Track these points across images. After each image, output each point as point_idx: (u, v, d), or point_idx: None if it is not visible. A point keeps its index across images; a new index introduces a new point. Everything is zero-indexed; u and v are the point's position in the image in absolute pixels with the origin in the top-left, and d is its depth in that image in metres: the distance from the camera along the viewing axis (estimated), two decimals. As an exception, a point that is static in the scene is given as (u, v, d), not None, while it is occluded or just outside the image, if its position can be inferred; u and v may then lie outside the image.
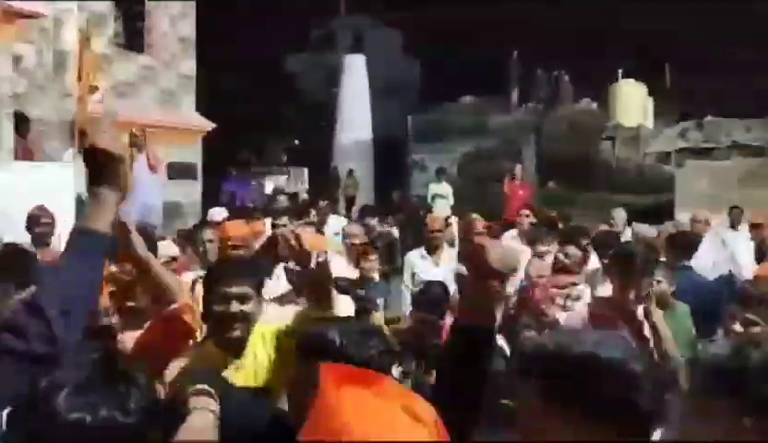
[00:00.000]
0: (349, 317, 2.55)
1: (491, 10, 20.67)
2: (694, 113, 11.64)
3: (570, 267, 4.59)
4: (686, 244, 5.84)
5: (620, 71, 16.22)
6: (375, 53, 20.35)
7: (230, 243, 3.64)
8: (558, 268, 4.91)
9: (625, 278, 3.15)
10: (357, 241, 4.93)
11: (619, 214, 8.42)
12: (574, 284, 4.39)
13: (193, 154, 12.34)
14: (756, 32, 17.49)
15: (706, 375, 1.48)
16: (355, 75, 19.02)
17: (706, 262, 7.70)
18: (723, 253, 7.88)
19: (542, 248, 5.72)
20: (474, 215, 6.09)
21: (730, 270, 7.55)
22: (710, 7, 17.58)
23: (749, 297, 2.95)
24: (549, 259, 5.02)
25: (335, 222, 7.39)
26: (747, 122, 10.38)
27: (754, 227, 7.56)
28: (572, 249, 4.71)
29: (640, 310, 3.40)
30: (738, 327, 2.84)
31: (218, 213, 7.49)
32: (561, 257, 4.93)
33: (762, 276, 3.96)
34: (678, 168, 10.61)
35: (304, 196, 15.60)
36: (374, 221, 8.21)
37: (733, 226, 8.61)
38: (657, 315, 3.27)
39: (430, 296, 3.94)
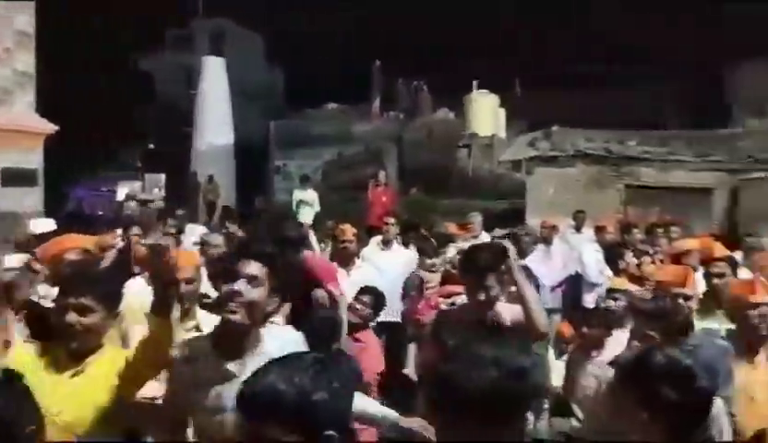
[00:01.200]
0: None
1: (354, 20, 20.94)
2: (542, 123, 12.42)
3: (456, 276, 4.64)
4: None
5: (475, 83, 17.01)
6: (235, 57, 19.83)
7: (64, 257, 3.22)
8: (445, 277, 4.97)
9: (470, 277, 3.21)
10: (216, 251, 4.65)
11: (476, 218, 8.77)
12: (460, 293, 4.45)
13: (32, 159, 11.25)
14: (596, 49, 19.18)
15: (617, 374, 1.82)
16: (214, 77, 18.40)
17: (556, 263, 8.23)
18: (571, 254, 8.45)
19: (430, 261, 5.77)
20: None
21: (577, 271, 8.12)
22: (557, 25, 18.97)
23: (642, 312, 3.11)
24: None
25: (193, 231, 7.01)
26: (588, 132, 11.24)
27: (598, 229, 8.17)
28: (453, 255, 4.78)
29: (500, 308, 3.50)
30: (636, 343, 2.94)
31: (41, 225, 6.48)
32: (449, 267, 4.97)
33: (663, 282, 4.11)
34: (529, 175, 11.26)
35: (160, 203, 14.79)
36: (234, 228, 7.88)
37: (578, 229, 9.24)
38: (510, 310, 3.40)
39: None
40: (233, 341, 2.07)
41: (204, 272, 3.63)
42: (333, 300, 3.68)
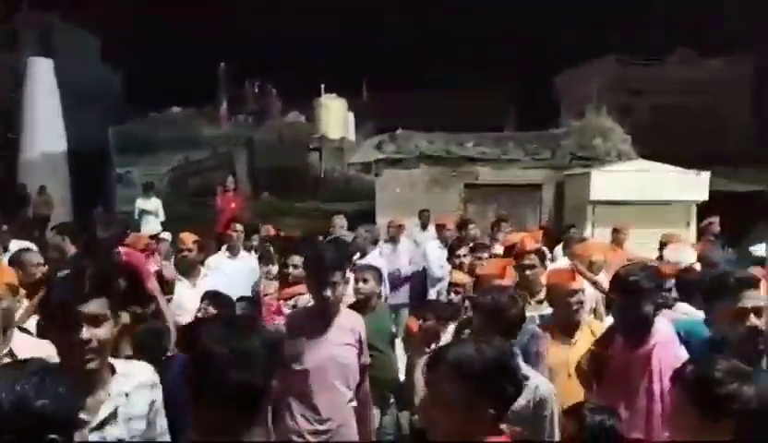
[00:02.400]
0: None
1: (200, 20, 20.28)
2: (390, 126, 12.81)
3: (296, 277, 4.66)
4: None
5: (323, 86, 17.17)
6: (66, 57, 18.41)
7: None
8: (287, 280, 4.96)
9: (314, 277, 3.29)
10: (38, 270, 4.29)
11: (340, 221, 8.90)
12: (302, 293, 4.47)
13: None
14: (438, 54, 20.10)
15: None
16: (41, 80, 16.95)
17: (402, 260, 8.56)
18: (417, 252, 8.82)
19: (264, 269, 5.73)
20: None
21: (424, 267, 8.49)
22: (400, 30, 19.61)
23: (482, 305, 3.27)
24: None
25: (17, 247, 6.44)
26: (429, 135, 11.76)
27: (439, 227, 8.59)
28: (296, 259, 4.79)
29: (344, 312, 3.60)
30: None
31: None
32: (290, 269, 4.95)
33: (483, 275, 4.35)
34: (377, 177, 11.56)
35: (-19, 218, 13.39)
36: (66, 243, 7.32)
37: (424, 227, 9.65)
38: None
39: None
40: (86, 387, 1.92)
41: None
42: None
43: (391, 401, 4.72)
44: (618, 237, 7.85)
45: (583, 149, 11.22)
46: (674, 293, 4.54)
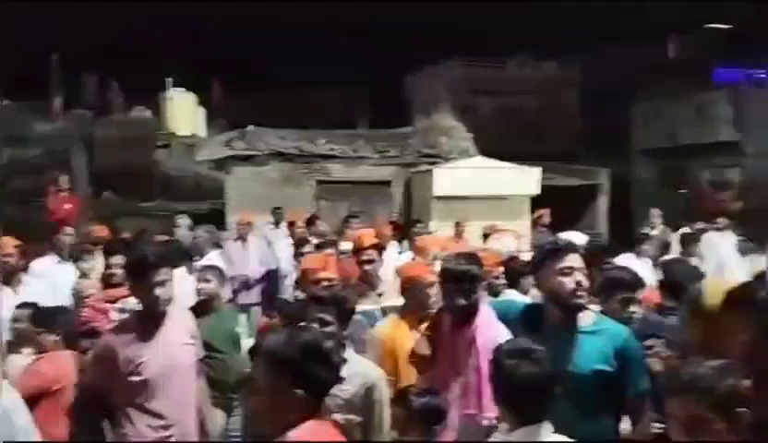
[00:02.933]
0: None
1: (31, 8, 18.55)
2: (243, 122, 12.54)
3: (119, 279, 4.48)
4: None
5: (170, 81, 16.47)
6: None
7: None
8: (110, 282, 4.74)
9: (137, 279, 3.21)
10: None
11: (183, 221, 8.59)
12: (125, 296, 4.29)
13: None
14: (291, 51, 19.95)
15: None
16: None
17: (252, 259, 8.46)
18: (268, 250, 8.76)
19: (84, 266, 5.45)
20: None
21: (277, 267, 8.45)
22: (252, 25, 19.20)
23: (321, 298, 3.31)
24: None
25: None
26: (281, 131, 11.69)
27: (290, 225, 8.61)
28: (117, 259, 4.62)
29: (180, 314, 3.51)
30: (317, 325, 3.13)
31: None
32: (113, 269, 4.75)
33: (306, 269, 4.37)
34: (228, 175, 11.31)
35: None
36: None
37: (277, 225, 9.60)
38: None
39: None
40: None
41: None
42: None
43: (235, 403, 4.65)
44: (459, 230, 8.31)
45: (429, 148, 11.71)
46: (502, 280, 4.90)
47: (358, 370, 3.06)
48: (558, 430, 2.30)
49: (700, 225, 10.07)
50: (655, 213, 10.33)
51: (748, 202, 15.57)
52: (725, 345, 2.12)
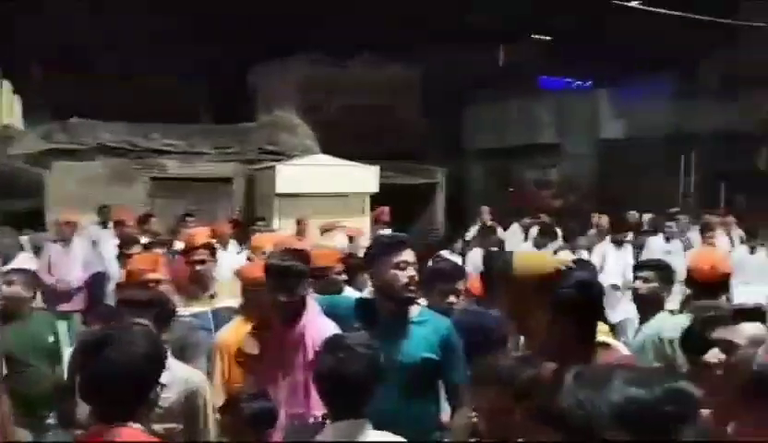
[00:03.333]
0: None
1: None
2: (66, 113, 11.52)
3: None
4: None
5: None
6: None
7: None
8: None
9: None
10: None
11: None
12: None
13: None
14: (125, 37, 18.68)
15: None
16: None
17: (75, 262, 7.83)
18: (94, 252, 8.14)
19: None
20: None
21: (105, 270, 7.87)
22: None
23: (135, 301, 3.06)
24: None
25: None
26: (110, 124, 10.93)
27: (117, 224, 8.04)
28: None
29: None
30: None
31: None
32: None
33: (133, 270, 4.08)
34: (47, 170, 10.36)
35: None
36: None
37: (104, 224, 8.95)
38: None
39: None
40: None
41: None
42: None
43: (49, 421, 4.24)
44: (300, 228, 8.27)
45: (271, 144, 11.54)
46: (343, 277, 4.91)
47: (179, 376, 2.92)
48: (386, 416, 2.35)
49: (526, 221, 10.89)
50: (485, 210, 11.00)
51: (566, 200, 17.09)
52: (527, 316, 2.18)
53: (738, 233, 8.77)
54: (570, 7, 16.29)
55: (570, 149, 18.94)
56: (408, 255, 2.96)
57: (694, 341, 1.73)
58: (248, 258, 5.38)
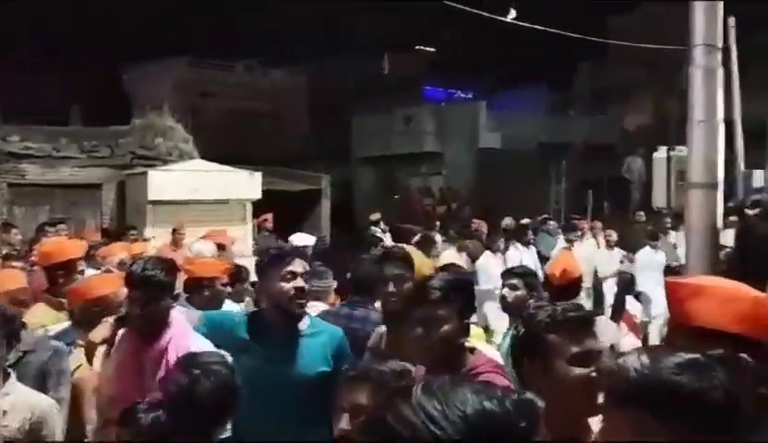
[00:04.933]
0: None
1: None
2: None
3: None
4: None
5: None
6: None
7: None
8: None
9: None
10: None
11: None
12: None
13: None
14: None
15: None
16: None
17: None
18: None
19: None
20: None
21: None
22: None
23: None
24: None
25: None
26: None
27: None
28: None
29: None
30: None
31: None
32: None
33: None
34: None
35: None
36: None
37: None
38: None
39: None
40: None
41: None
42: None
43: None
44: (175, 237, 7.86)
45: (145, 149, 10.94)
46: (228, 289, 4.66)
47: (23, 402, 2.62)
48: (283, 433, 2.25)
49: (408, 227, 11.03)
50: (375, 217, 11.14)
51: (448, 207, 17.57)
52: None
53: (603, 237, 9.33)
54: (453, 21, 16.83)
55: (451, 158, 19.52)
56: (297, 265, 2.83)
57: (529, 344, 1.73)
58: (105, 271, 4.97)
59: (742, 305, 1.43)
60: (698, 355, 1.18)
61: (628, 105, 19.04)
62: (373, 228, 11.21)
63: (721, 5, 3.52)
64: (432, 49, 25.95)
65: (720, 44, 3.58)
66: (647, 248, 7.94)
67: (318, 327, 2.93)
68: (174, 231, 7.99)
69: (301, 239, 8.62)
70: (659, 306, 6.71)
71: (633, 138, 16.79)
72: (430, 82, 25.38)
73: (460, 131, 19.50)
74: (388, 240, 10.76)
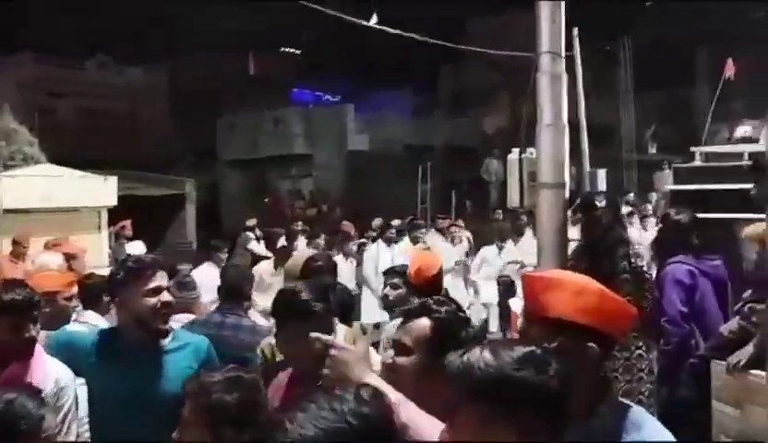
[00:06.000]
0: None
1: None
2: None
3: None
4: None
5: None
6: None
7: None
8: None
9: None
10: None
11: None
12: None
13: None
14: None
15: None
16: None
17: None
18: None
19: None
20: None
21: None
22: None
23: None
24: None
25: None
26: None
27: None
28: None
29: None
30: None
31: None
32: None
33: None
34: None
35: None
36: None
37: None
38: None
39: None
40: None
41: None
42: None
43: None
44: (18, 250, 7.15)
45: None
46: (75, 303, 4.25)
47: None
48: None
49: (276, 230, 10.84)
50: (251, 223, 10.92)
51: (318, 209, 17.55)
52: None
53: (466, 234, 9.72)
54: (317, 24, 16.81)
55: (321, 161, 19.51)
56: (160, 278, 2.63)
57: None
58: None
59: (591, 298, 1.53)
60: (534, 348, 1.27)
61: (487, 108, 20.01)
62: (247, 234, 10.94)
63: (563, 13, 3.75)
64: (298, 51, 25.80)
65: (563, 52, 3.81)
66: (493, 246, 8.41)
67: (181, 340, 2.77)
68: (15, 242, 7.27)
69: (134, 248, 8.26)
70: (488, 297, 7.99)
71: (492, 141, 17.65)
72: (298, 84, 25.23)
73: (329, 133, 19.55)
74: (256, 247, 10.55)
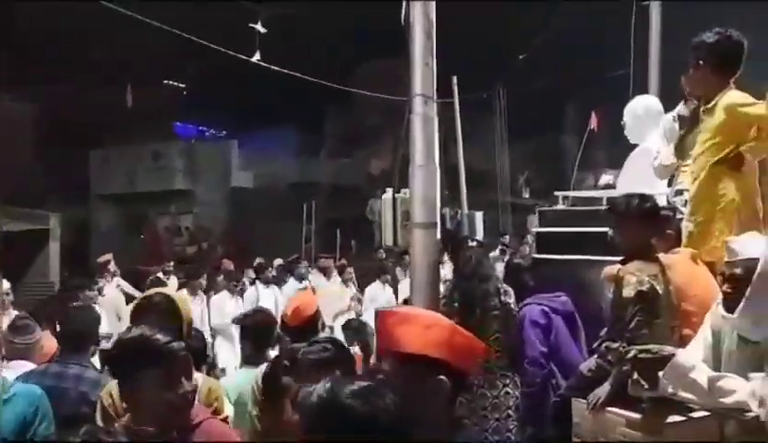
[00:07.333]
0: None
1: None
2: None
3: None
4: None
5: None
6: None
7: None
8: None
9: None
10: None
11: None
12: None
13: None
14: None
15: None
16: None
17: None
18: None
19: None
20: None
21: None
22: None
23: None
24: None
25: None
26: None
27: None
28: None
29: None
30: None
31: None
32: None
33: None
34: None
35: None
36: None
37: None
38: None
39: None
40: None
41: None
42: None
43: None
44: None
45: None
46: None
47: None
48: None
49: (152, 268, 10.26)
50: (104, 259, 10.14)
51: (199, 246, 16.92)
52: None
53: (350, 273, 9.69)
54: (202, 58, 16.44)
55: (202, 197, 18.91)
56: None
57: (272, 385, 1.80)
58: None
59: (441, 332, 1.58)
60: (372, 382, 1.34)
61: (372, 149, 20.35)
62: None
63: (433, 57, 3.83)
64: (182, 84, 25.10)
65: (435, 95, 3.89)
66: (377, 283, 8.52)
67: (13, 390, 2.53)
68: None
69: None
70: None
71: (377, 181, 17.88)
72: (181, 118, 24.47)
73: (211, 169, 19.04)
74: (126, 286, 9.88)
